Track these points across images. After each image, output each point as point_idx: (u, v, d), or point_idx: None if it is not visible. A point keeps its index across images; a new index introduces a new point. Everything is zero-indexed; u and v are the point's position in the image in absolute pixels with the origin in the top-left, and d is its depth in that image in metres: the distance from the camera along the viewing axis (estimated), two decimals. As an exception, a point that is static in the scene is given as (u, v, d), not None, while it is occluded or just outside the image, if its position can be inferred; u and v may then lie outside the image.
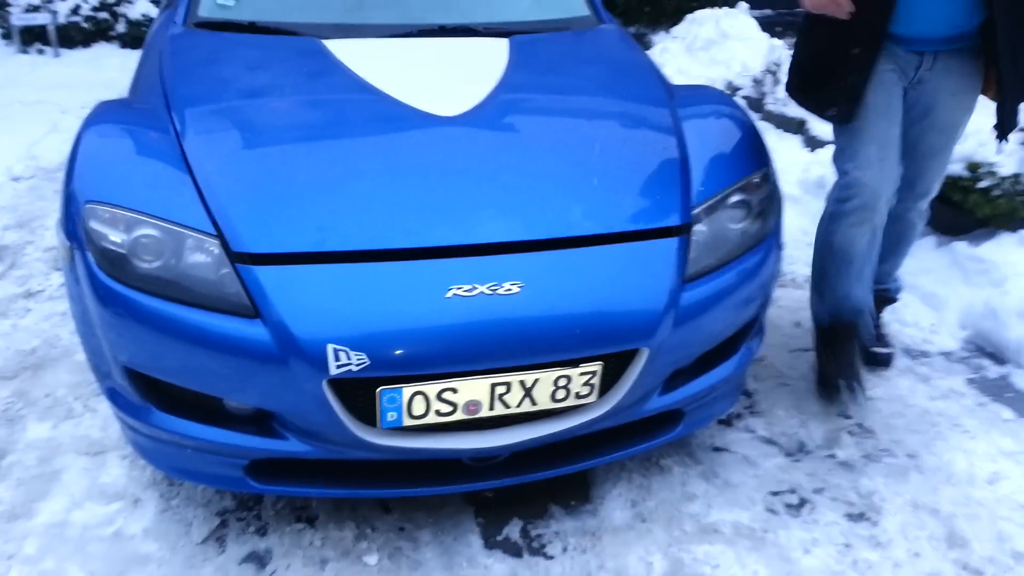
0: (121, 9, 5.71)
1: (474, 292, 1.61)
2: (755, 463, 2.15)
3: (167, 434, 1.73)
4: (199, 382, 1.66)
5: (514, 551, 1.86)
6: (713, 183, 1.93)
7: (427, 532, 1.89)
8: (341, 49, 2.30)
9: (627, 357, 1.72)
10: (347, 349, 1.55)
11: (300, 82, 2.14)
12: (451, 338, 1.59)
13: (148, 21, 5.88)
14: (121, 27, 5.67)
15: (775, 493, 2.05)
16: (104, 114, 1.98)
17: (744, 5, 5.37)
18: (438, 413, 1.65)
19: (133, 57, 5.99)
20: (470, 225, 1.69)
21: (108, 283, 1.65)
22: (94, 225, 1.68)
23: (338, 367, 1.55)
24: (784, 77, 4.83)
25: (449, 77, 2.22)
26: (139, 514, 1.90)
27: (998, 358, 2.64)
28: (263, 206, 1.68)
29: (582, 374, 1.68)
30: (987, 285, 2.77)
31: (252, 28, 2.44)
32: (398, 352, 1.56)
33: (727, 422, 2.30)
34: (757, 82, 4.69)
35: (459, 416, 1.66)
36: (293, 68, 2.20)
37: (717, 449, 2.20)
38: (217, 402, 1.72)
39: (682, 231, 1.81)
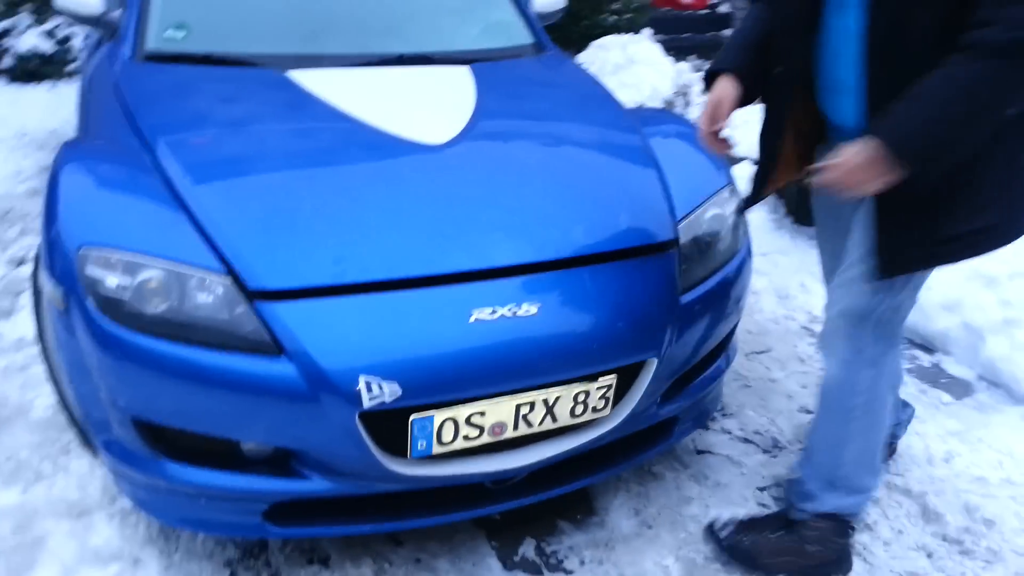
0: (8, 42, 5.37)
1: (495, 315, 1.64)
2: (738, 462, 2.27)
3: (180, 485, 1.66)
4: (218, 426, 1.61)
5: (534, 570, 1.89)
6: (690, 198, 2.04)
7: (444, 561, 1.89)
8: (308, 80, 2.28)
9: (635, 369, 1.79)
10: (379, 380, 1.54)
11: (278, 114, 2.12)
12: (479, 362, 1.61)
13: (38, 56, 5.55)
14: (9, 61, 5.33)
15: (762, 488, 2.17)
16: (75, 154, 1.89)
17: (648, 31, 5.63)
18: (466, 438, 1.66)
19: (25, 93, 5.71)
20: (483, 249, 1.73)
21: (113, 330, 1.58)
22: (91, 271, 1.61)
23: (371, 399, 1.54)
24: (695, 98, 5.11)
25: (424, 105, 2.25)
26: (141, 574, 1.80)
27: (928, 348, 2.89)
28: (275, 240, 1.66)
29: (599, 388, 1.73)
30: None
31: (208, 60, 2.39)
32: (430, 380, 1.57)
33: (704, 426, 2.41)
34: (668, 104, 4.93)
35: (485, 439, 1.68)
36: (266, 100, 2.17)
37: (700, 452, 2.31)
38: (233, 446, 1.67)
39: (673, 245, 1.91)
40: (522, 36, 2.94)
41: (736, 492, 2.15)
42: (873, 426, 1.79)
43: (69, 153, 1.88)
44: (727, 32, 9.03)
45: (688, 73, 5.16)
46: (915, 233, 1.59)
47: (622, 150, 2.19)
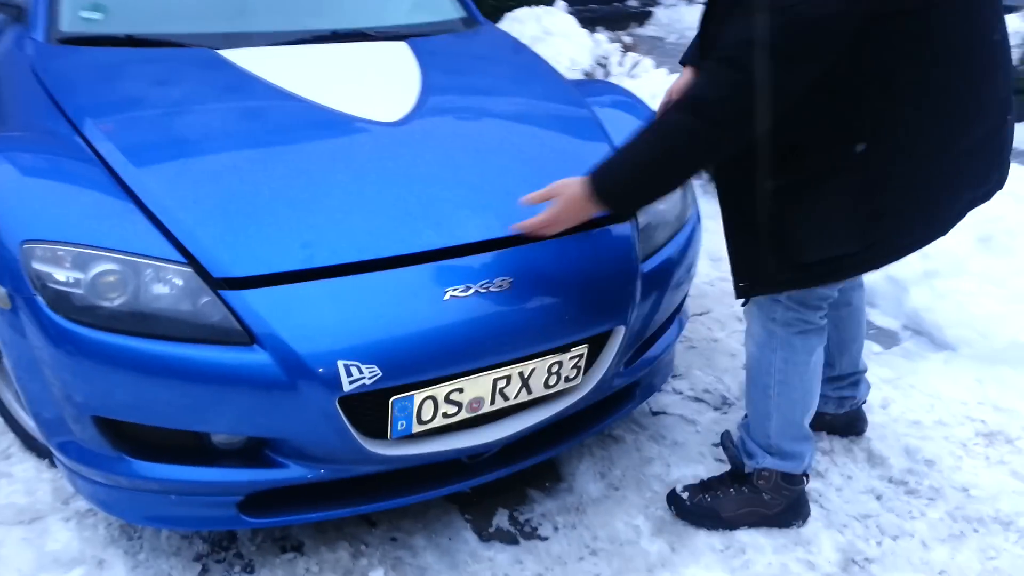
0: None
1: (469, 292, 1.64)
2: (692, 421, 2.35)
3: (147, 482, 1.61)
4: (186, 420, 1.56)
5: (510, 539, 1.91)
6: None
7: (420, 537, 1.90)
8: (243, 58, 2.20)
9: (603, 337, 1.83)
10: (358, 363, 1.52)
11: (218, 94, 2.04)
12: (456, 339, 1.61)
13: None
14: None
15: (716, 444, 2.25)
16: (2, 145, 1.77)
17: (561, 3, 5.64)
18: (444, 415, 1.66)
19: None
20: (451, 227, 1.72)
21: (69, 327, 1.50)
22: (39, 266, 1.52)
23: (351, 383, 1.52)
24: (614, 69, 5.17)
25: (369, 82, 2.20)
26: (108, 576, 1.74)
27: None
28: (237, 226, 1.61)
29: (572, 358, 1.76)
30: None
31: (130, 42, 2.27)
32: (409, 360, 1.56)
33: (660, 389, 2.48)
34: (588, 75, 4.97)
35: (463, 415, 1.69)
36: (203, 80, 2.08)
37: (656, 413, 2.37)
38: (203, 439, 1.62)
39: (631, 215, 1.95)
40: (454, 10, 2.91)
41: (693, 449, 2.23)
42: (791, 403, 1.85)
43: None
44: (633, 2, 9.15)
45: (606, 44, 5.22)
46: (768, 260, 1.64)
47: (573, 123, 2.21)
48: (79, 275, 1.51)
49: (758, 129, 1.44)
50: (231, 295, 1.53)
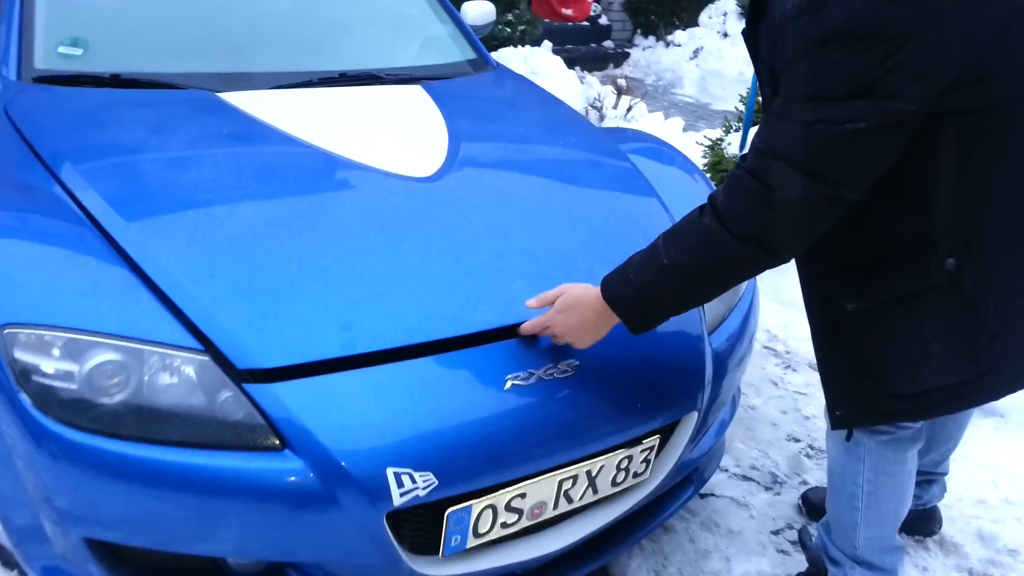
0: None
1: (532, 379, 1.41)
2: (745, 504, 2.13)
3: (148, 615, 1.33)
4: (198, 542, 1.29)
5: (564, 657, 1.66)
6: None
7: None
8: (247, 103, 1.96)
9: (672, 424, 1.61)
10: (410, 471, 1.28)
11: (226, 144, 1.79)
12: (520, 436, 1.37)
13: None
14: None
15: (776, 532, 2.04)
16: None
17: (548, 44, 5.50)
18: (503, 525, 1.42)
19: None
20: (508, 302, 1.49)
21: (59, 431, 1.23)
22: (23, 356, 1.25)
23: (403, 495, 1.27)
24: (608, 112, 5.02)
25: (391, 130, 1.98)
26: None
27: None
28: (262, 305, 1.35)
29: (642, 451, 1.54)
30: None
31: (115, 82, 2.01)
32: (468, 464, 1.32)
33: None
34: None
35: (523, 523, 1.44)
36: (206, 128, 1.83)
37: (703, 496, 2.15)
38: (216, 563, 1.35)
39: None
40: (464, 51, 2.72)
41: (751, 538, 2.01)
42: (882, 516, 1.62)
43: (-36, 201, 1.49)
44: (608, 44, 9.12)
45: (598, 86, 5.08)
46: (864, 388, 1.40)
47: (617, 175, 2.01)
48: (72, 366, 1.25)
49: (800, 246, 1.24)
50: (257, 389, 1.27)
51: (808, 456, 2.35)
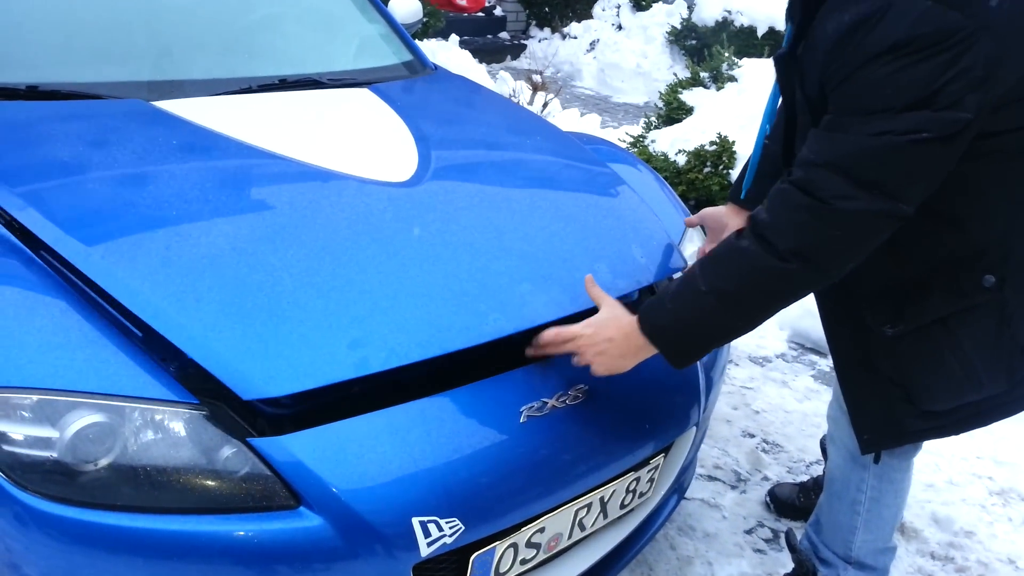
0: None
1: (546, 409, 1.36)
2: (716, 505, 2.16)
3: None
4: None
5: None
6: (675, 237, 1.88)
7: None
8: (189, 111, 1.80)
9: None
10: (436, 518, 1.20)
11: (178, 156, 1.62)
12: (540, 470, 1.32)
13: None
14: None
15: (749, 531, 2.08)
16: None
17: (455, 38, 5.40)
18: (523, 562, 1.37)
19: None
20: (518, 307, 1.40)
21: (36, 507, 1.08)
22: (-9, 424, 1.09)
23: (430, 544, 1.19)
24: (522, 104, 4.97)
25: (352, 135, 1.86)
26: None
27: (819, 352, 3.00)
28: (262, 329, 1.22)
29: (648, 471, 1.52)
30: (794, 289, 3.11)
31: (32, 95, 1.80)
32: (493, 505, 1.26)
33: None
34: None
35: (541, 557, 1.40)
36: (153, 141, 1.66)
37: (675, 500, 2.16)
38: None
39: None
40: (400, 53, 2.61)
41: (728, 539, 2.03)
42: (882, 521, 1.65)
43: None
44: (504, 35, 9.09)
45: (511, 81, 5.03)
46: (895, 409, 1.40)
47: (591, 173, 1.97)
48: (48, 431, 1.10)
49: (848, 265, 1.21)
50: (263, 441, 1.16)
51: (764, 451, 2.41)
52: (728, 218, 1.68)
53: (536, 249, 1.58)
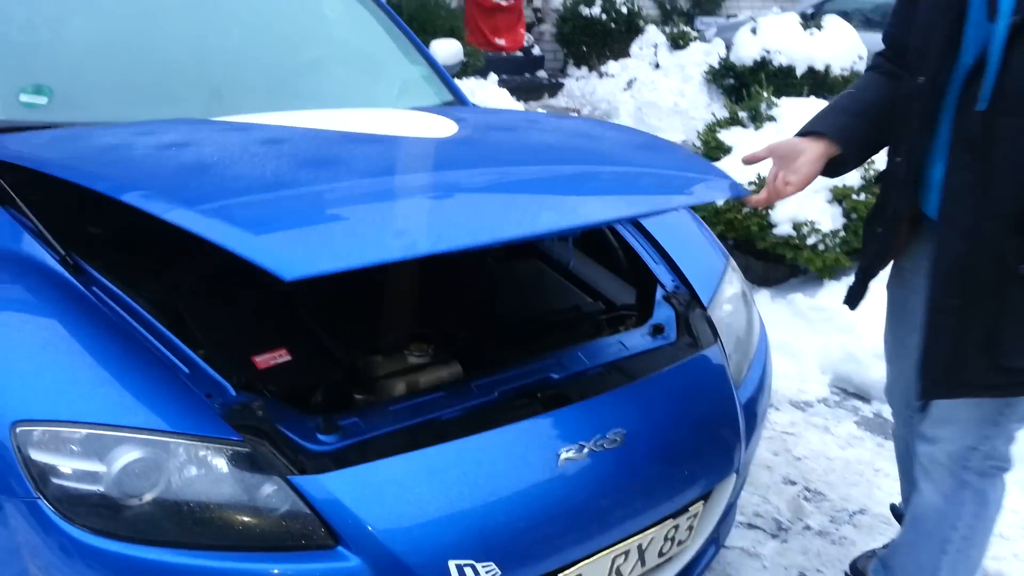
0: None
1: (584, 452, 1.35)
2: (756, 554, 2.11)
3: None
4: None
5: None
6: (709, 277, 1.87)
7: None
8: (263, 119, 1.81)
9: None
10: (472, 562, 1.20)
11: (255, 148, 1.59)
12: (578, 515, 1.31)
13: None
14: None
15: (792, 582, 2.03)
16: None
17: (494, 76, 5.49)
18: (559, 608, 1.35)
19: None
20: (570, 206, 1.34)
21: (84, 540, 1.10)
22: (39, 456, 1.12)
23: (466, 588, 1.19)
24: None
25: (402, 121, 1.87)
26: None
27: (863, 397, 2.94)
28: (301, 211, 1.18)
29: (688, 518, 1.50)
30: (835, 332, 3.07)
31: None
32: (529, 549, 1.25)
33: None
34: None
35: (576, 604, 1.38)
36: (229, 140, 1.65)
37: (713, 547, 2.12)
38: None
39: (716, 335, 1.72)
40: (442, 93, 2.65)
41: (769, 591, 1.99)
42: (969, 561, 1.60)
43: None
44: (542, 73, 9.20)
45: (549, 120, 5.10)
46: (970, 360, 1.39)
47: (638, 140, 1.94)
48: (96, 466, 1.13)
49: None
50: (307, 482, 1.17)
51: (806, 500, 2.35)
52: (803, 145, 1.57)
53: (573, 165, 1.58)
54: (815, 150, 1.53)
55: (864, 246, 1.70)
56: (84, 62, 2.10)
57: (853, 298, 1.71)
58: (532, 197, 1.36)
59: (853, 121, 1.56)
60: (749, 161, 1.64)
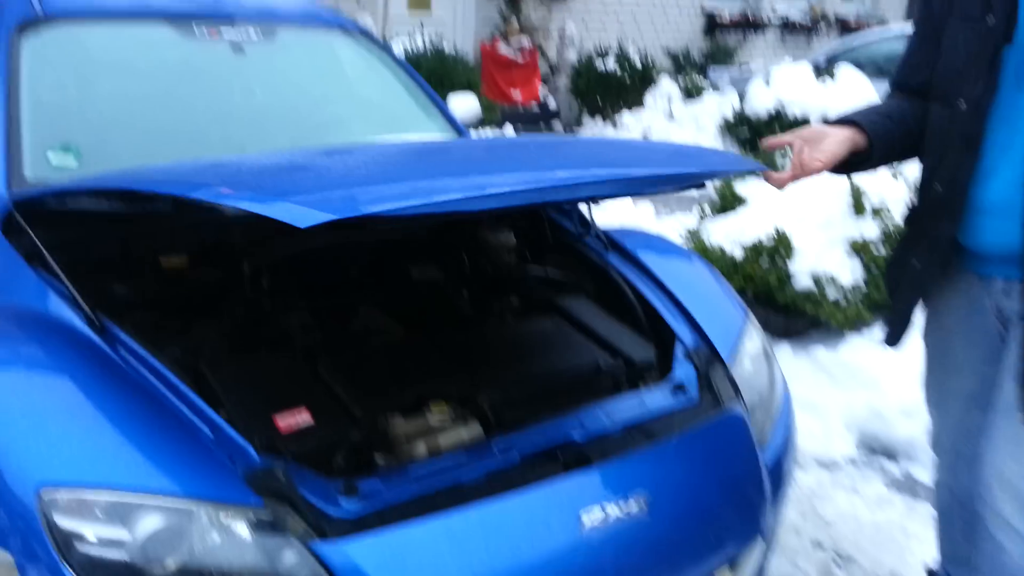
0: None
1: (606, 516, 1.33)
2: (785, 621, 2.06)
3: None
4: None
5: None
6: (729, 333, 1.86)
7: None
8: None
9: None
10: (498, 637, 1.17)
11: None
12: (606, 585, 1.29)
13: None
14: None
15: (821, 650, 1.97)
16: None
17: (510, 127, 5.57)
18: None
19: None
20: (610, 161, 1.40)
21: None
22: (65, 522, 1.11)
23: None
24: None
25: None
26: None
27: (890, 455, 2.88)
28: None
29: (716, 587, 1.47)
30: (859, 387, 3.03)
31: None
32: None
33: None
34: (551, 203, 4.85)
35: (601, 675, 1.34)
36: None
37: (739, 612, 2.07)
38: None
39: (738, 394, 1.70)
40: (447, 130, 2.71)
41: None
42: None
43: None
44: (557, 125, 9.31)
45: (566, 173, 5.14)
46: None
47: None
48: (121, 533, 1.12)
49: None
50: (325, 547, 1.16)
51: (837, 565, 2.29)
52: (830, 129, 1.58)
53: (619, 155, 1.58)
54: (842, 132, 1.55)
55: (896, 284, 1.67)
56: (111, 122, 2.15)
57: (895, 336, 1.69)
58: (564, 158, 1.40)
59: (882, 120, 1.58)
60: (771, 146, 1.63)
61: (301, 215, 0.95)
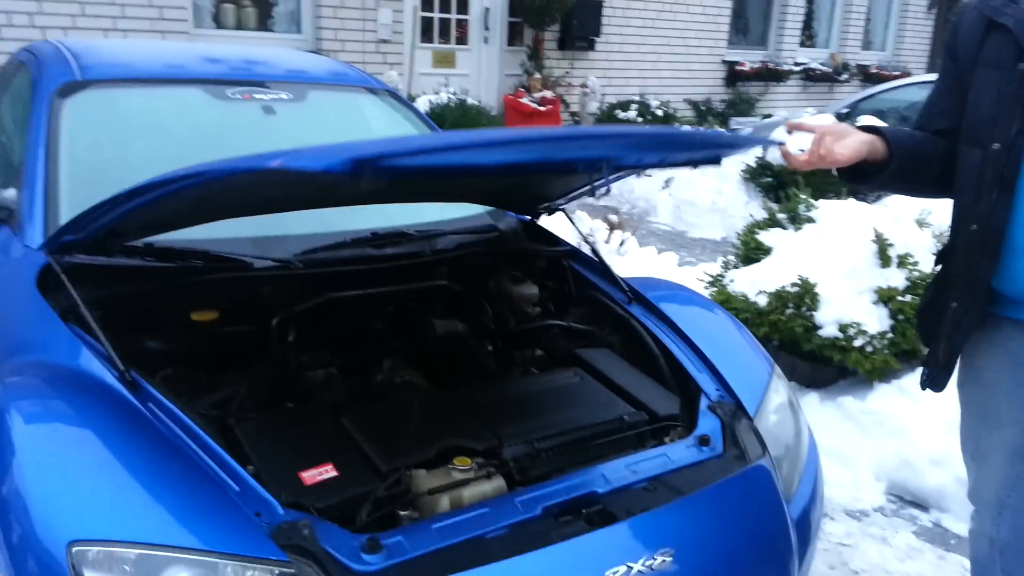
0: None
1: (632, 574, 1.32)
2: (815, 678, 2.00)
3: None
4: None
5: None
6: (755, 385, 1.85)
7: None
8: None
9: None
10: None
11: None
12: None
13: None
14: None
15: None
16: (24, 399, 1.40)
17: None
18: None
19: None
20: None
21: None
22: (92, 576, 1.13)
23: None
24: (601, 246, 5.08)
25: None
26: None
27: (921, 505, 2.82)
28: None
29: (744, 648, 1.44)
30: (888, 436, 2.98)
31: (146, 251, 1.94)
32: None
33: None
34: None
35: None
36: None
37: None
38: None
39: (764, 447, 1.69)
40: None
41: None
42: None
43: (14, 398, 1.39)
44: (580, 174, 9.40)
45: (588, 220, 5.17)
46: None
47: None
48: (147, 588, 1.13)
49: None
50: (350, 604, 1.16)
51: (867, 617, 2.25)
52: (854, 129, 1.63)
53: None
54: (865, 135, 1.60)
55: (932, 327, 1.64)
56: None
57: (938, 381, 1.66)
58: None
59: (909, 139, 1.63)
60: (793, 127, 1.68)
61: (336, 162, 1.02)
